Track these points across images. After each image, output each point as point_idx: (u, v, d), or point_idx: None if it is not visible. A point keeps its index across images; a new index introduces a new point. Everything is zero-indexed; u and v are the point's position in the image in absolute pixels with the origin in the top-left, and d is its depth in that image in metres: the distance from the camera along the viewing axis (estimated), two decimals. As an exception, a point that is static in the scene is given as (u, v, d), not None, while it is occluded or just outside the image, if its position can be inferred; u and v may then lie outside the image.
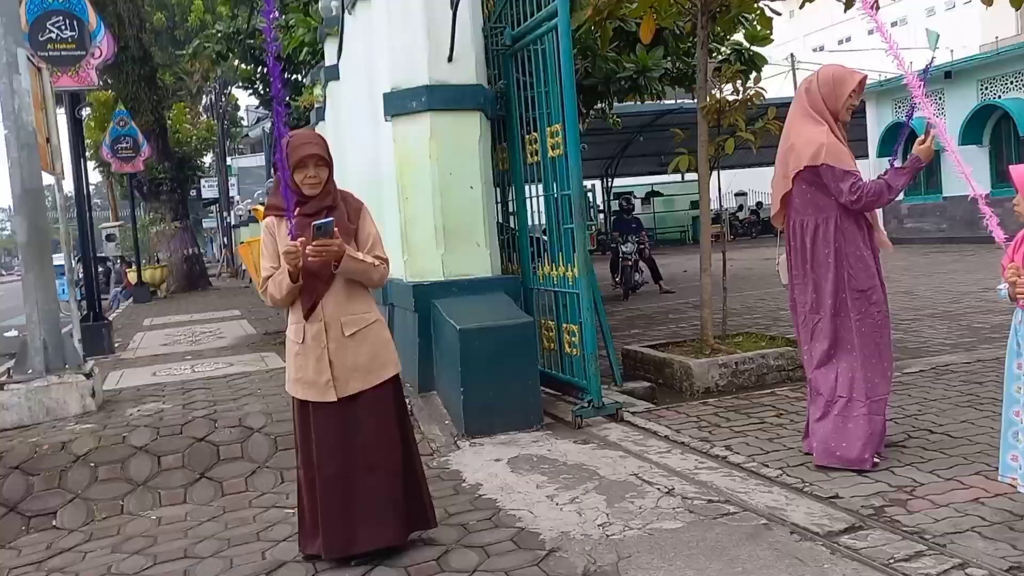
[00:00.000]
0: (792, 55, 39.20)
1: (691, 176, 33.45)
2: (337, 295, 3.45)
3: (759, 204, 34.07)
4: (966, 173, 3.12)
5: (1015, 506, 3.45)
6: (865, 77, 4.27)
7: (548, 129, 5.68)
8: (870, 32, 56.13)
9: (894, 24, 54.22)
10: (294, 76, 13.97)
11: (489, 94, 6.13)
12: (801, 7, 7.00)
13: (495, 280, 5.98)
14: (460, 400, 5.25)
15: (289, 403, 3.79)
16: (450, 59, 5.84)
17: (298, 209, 3.39)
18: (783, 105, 6.91)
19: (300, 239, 3.26)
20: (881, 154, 20.22)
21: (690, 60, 10.77)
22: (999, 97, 17.80)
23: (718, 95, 6.87)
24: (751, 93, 6.88)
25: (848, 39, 56.98)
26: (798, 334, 4.47)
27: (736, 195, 35.28)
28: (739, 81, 7.06)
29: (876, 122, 20.84)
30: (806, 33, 55.85)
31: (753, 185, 35.05)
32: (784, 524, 3.52)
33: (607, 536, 3.56)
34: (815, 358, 4.26)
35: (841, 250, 4.14)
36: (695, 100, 7.58)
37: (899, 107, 19.98)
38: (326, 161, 3.42)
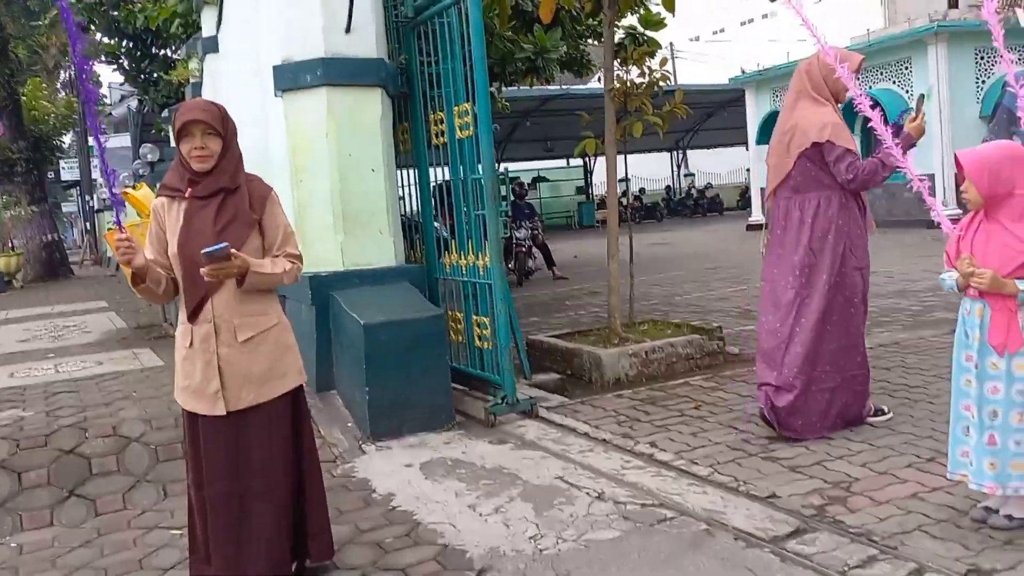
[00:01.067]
0: (672, 44, 39.96)
1: (576, 162, 33.90)
2: (229, 293, 2.97)
3: (642, 190, 34.67)
4: (908, 167, 2.99)
5: (955, 500, 3.37)
6: (863, 59, 4.38)
7: (456, 108, 5.32)
8: (743, 23, 58.15)
9: (765, 16, 56.35)
10: (163, 51, 13.01)
11: (391, 69, 5.71)
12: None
13: (400, 270, 5.59)
14: (365, 400, 4.85)
15: (170, 408, 3.30)
16: (347, 30, 5.38)
17: (188, 190, 2.93)
18: (669, 92, 6.91)
19: (124, 231, 2.83)
20: (760, 142, 20.77)
21: (582, 43, 10.60)
22: (870, 88, 18.55)
23: (624, 77, 6.67)
24: (658, 76, 6.72)
25: (722, 30, 58.80)
26: (767, 310, 4.52)
27: (620, 181, 35.76)
28: (645, 64, 6.88)
29: (755, 111, 21.41)
30: (684, 22, 57.18)
31: (635, 171, 35.63)
32: (726, 529, 3.32)
33: (540, 551, 3.27)
34: (792, 333, 4.34)
35: (843, 227, 4.27)
36: (586, 85, 7.39)
37: (777, 96, 20.55)
38: (218, 132, 2.94)
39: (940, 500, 3.40)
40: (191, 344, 3.00)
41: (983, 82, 16.47)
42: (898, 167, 3.38)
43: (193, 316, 2.99)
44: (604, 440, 4.56)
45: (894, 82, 16.95)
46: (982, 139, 5.20)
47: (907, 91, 16.93)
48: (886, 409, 4.51)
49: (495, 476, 4.17)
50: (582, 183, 34.51)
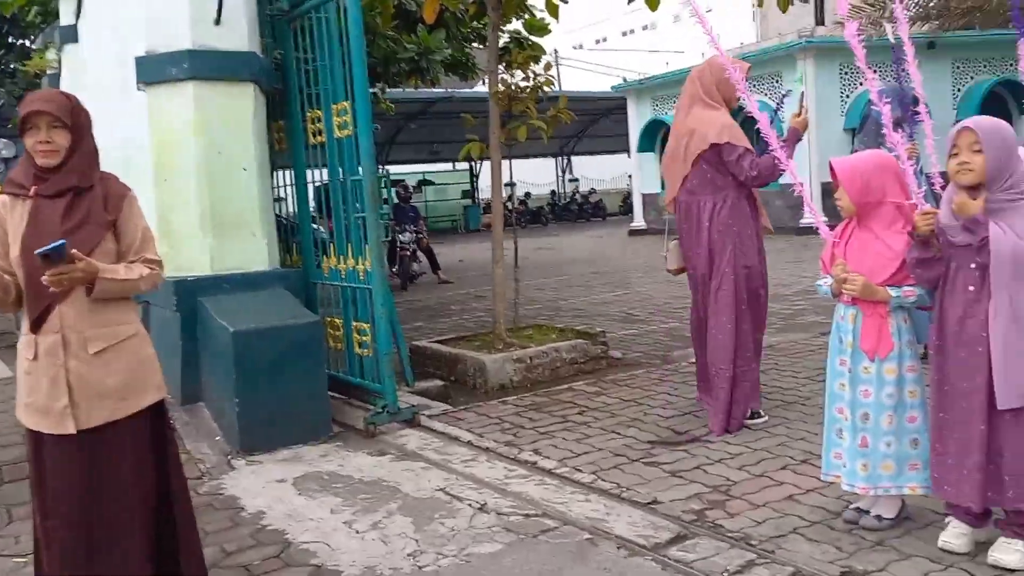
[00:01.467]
0: (556, 51, 40.44)
1: (463, 165, 33.79)
2: (79, 301, 2.67)
3: (527, 195, 34.95)
4: (793, 171, 3.02)
5: (828, 502, 3.43)
6: (750, 67, 4.60)
7: (334, 107, 5.12)
8: (624, 34, 59.58)
9: (645, 28, 57.92)
10: (20, 41, 12.13)
11: (264, 63, 5.45)
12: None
13: (274, 274, 5.34)
14: (235, 412, 4.59)
15: (18, 424, 2.98)
16: (217, 21, 5.10)
17: (34, 188, 2.65)
18: (553, 98, 6.96)
19: None
20: (642, 149, 21.25)
21: (467, 46, 10.52)
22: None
23: (509, 80, 6.62)
24: (542, 80, 6.69)
25: (605, 39, 60.08)
26: (697, 309, 4.72)
27: (505, 185, 35.98)
28: (530, 68, 6.84)
29: (636, 119, 21.85)
30: (568, 31, 58.08)
31: (521, 176, 35.86)
32: (609, 538, 3.28)
33: (420, 568, 3.14)
34: (704, 329, 4.62)
35: (732, 227, 4.45)
36: (472, 88, 7.32)
37: (657, 105, 21.07)
38: (65, 124, 2.67)
39: (814, 502, 3.46)
40: (35, 356, 2.71)
41: (847, 96, 17.33)
42: (783, 167, 3.55)
43: (36, 326, 2.70)
44: (488, 449, 4.46)
45: (765, 94, 17.63)
46: (852, 149, 5.39)
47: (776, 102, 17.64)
48: (762, 412, 4.59)
49: (373, 490, 4.00)
50: (468, 187, 34.46)
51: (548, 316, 8.79)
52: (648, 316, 8.70)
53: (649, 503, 3.56)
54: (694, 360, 5.02)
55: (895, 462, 3.02)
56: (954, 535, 2.91)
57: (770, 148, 4.42)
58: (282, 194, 6.13)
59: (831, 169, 3.06)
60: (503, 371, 5.96)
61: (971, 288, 2.75)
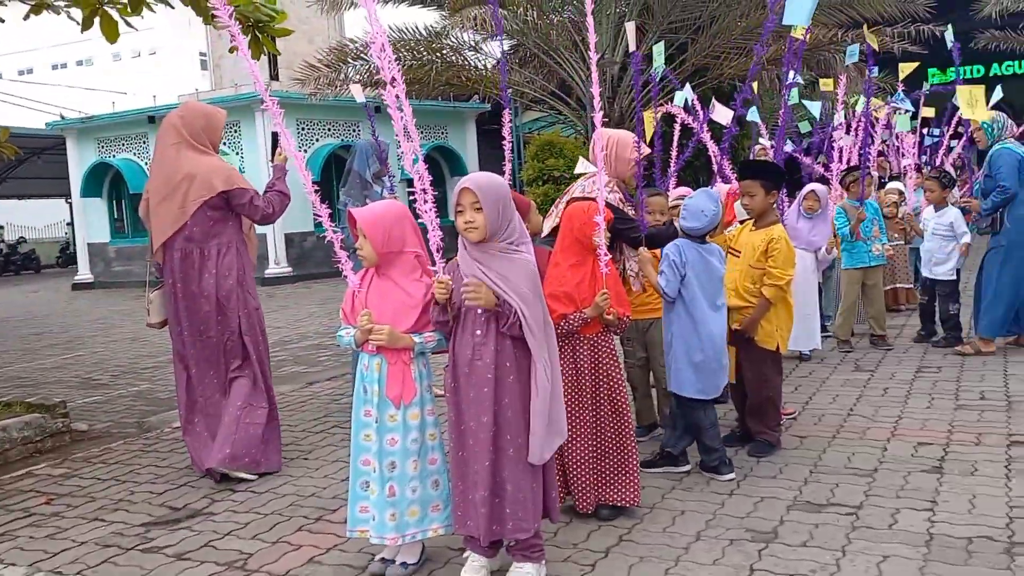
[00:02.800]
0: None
1: None
2: None
3: (21, 239, 30.23)
4: (326, 221, 2.93)
5: (351, 558, 3.33)
6: (226, 114, 4.75)
7: None
8: (55, 67, 53.98)
9: (80, 64, 53.23)
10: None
11: None
12: (26, 18, 5.99)
13: None
14: None
15: None
16: None
17: None
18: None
19: None
20: (86, 194, 19.30)
21: None
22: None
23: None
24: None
25: (31, 71, 53.65)
26: (185, 365, 4.50)
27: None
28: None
29: (79, 161, 19.76)
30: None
31: (10, 218, 31.53)
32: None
33: None
34: (215, 381, 4.47)
35: (238, 273, 4.42)
36: None
37: (103, 146, 19.37)
38: None
39: (337, 560, 3.34)
40: None
41: (305, 150, 18.00)
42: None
43: None
44: (-80, 568, 3.45)
45: (226, 143, 17.40)
46: (339, 203, 5.52)
47: (238, 153, 17.57)
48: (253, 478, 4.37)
49: None
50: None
51: (-16, 388, 7.32)
52: (112, 379, 7.79)
53: (157, 598, 3.08)
54: (178, 425, 4.70)
55: (420, 507, 3.06)
56: (473, 569, 3.04)
57: (272, 185, 4.65)
58: None
59: (350, 218, 3.03)
60: (-70, 463, 4.73)
61: (479, 332, 2.93)
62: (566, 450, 3.46)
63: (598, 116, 3.41)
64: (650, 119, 5.43)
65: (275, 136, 4.99)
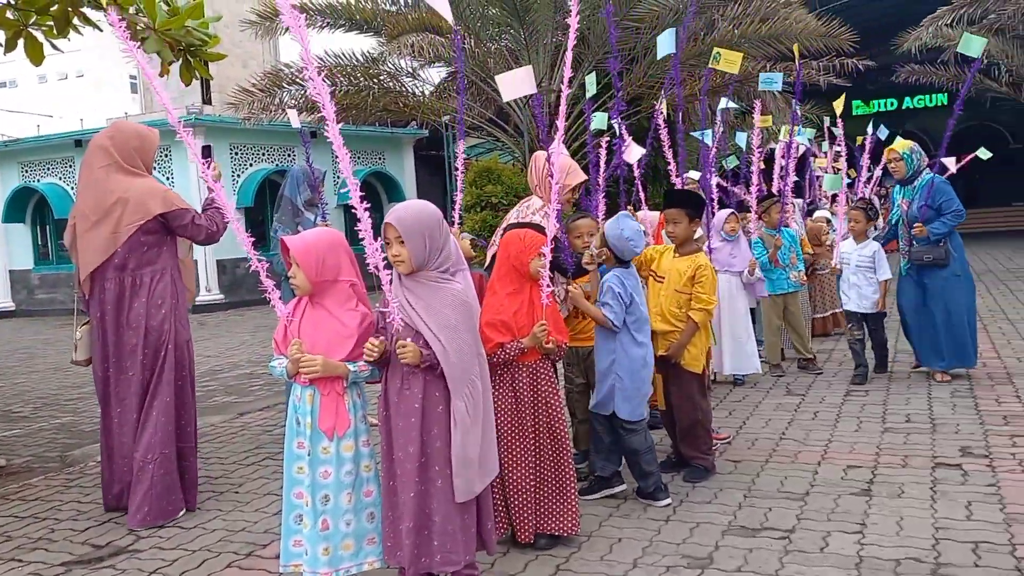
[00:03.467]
0: None
1: None
2: None
3: None
4: (250, 249, 2.87)
5: (283, 594, 3.25)
6: (158, 132, 4.50)
7: None
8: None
9: (4, 85, 51.62)
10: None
11: None
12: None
13: None
14: None
15: None
16: None
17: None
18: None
19: None
20: (9, 219, 18.66)
21: None
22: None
23: None
24: None
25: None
26: (110, 403, 4.25)
27: None
28: None
29: (1, 185, 19.11)
30: None
31: None
32: None
33: None
34: (133, 418, 4.20)
35: (171, 301, 4.24)
36: None
37: (27, 170, 18.77)
38: None
39: (269, 597, 3.25)
40: None
41: (239, 176, 17.71)
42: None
43: None
44: None
45: (156, 167, 17.04)
46: (272, 230, 5.44)
47: (168, 178, 17.20)
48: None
49: None
50: None
51: None
52: (34, 412, 7.49)
53: (76, 642, 2.95)
54: (99, 459, 4.51)
55: (354, 540, 3.00)
56: (405, 602, 2.98)
57: (212, 202, 4.47)
58: None
59: (283, 247, 2.98)
60: None
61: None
62: (507, 478, 3.43)
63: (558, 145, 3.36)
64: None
65: (206, 149, 4.83)
